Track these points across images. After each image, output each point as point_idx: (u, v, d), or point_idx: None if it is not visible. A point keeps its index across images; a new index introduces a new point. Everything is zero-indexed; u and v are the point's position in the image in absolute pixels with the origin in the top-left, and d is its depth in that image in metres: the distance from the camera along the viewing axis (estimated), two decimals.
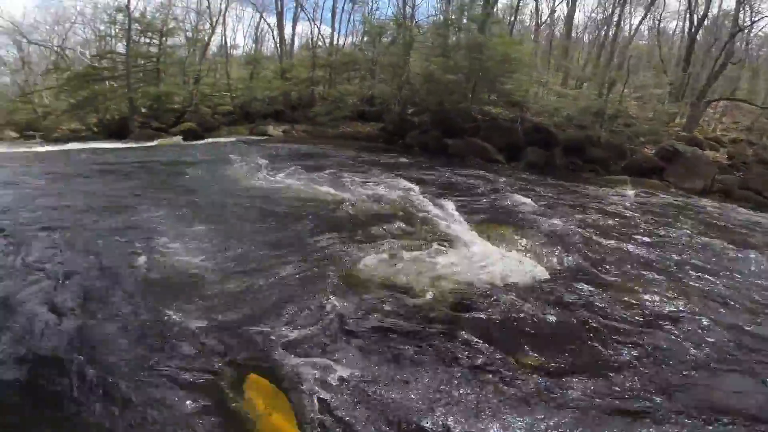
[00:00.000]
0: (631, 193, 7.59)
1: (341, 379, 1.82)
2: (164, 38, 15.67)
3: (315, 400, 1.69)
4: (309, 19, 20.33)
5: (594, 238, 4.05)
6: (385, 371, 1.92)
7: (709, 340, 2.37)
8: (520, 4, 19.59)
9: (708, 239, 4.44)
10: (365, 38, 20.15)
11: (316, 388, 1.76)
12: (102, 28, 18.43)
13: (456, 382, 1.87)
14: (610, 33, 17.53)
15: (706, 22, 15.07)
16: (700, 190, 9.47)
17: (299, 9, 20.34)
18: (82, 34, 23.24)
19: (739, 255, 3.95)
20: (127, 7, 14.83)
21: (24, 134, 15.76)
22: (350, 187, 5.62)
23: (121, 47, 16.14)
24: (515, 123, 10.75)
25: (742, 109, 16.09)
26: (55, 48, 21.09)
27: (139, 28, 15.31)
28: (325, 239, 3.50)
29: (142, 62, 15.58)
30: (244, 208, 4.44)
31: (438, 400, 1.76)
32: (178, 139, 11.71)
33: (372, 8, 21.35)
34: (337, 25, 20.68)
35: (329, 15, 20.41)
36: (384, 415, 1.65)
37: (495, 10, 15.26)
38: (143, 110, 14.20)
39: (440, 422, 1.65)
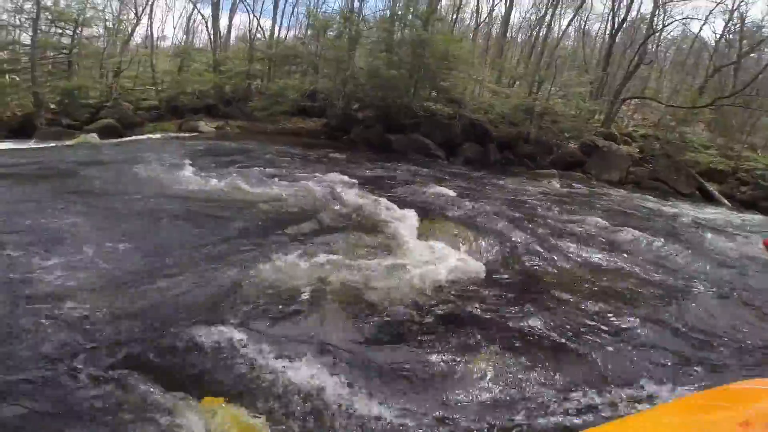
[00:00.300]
0: (557, 185, 8.16)
1: (291, 389, 1.69)
2: (79, 28, 14.00)
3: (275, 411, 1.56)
4: (249, 10, 19.32)
5: (524, 228, 4.26)
6: (338, 380, 1.79)
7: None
8: (462, 2, 20.36)
9: (618, 224, 4.88)
10: (309, 32, 19.58)
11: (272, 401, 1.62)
12: (5, 17, 16.01)
13: (413, 386, 1.81)
14: (542, 33, 18.76)
15: (624, 25, 16.59)
16: (617, 181, 10.49)
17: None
18: None
19: (645, 239, 4.39)
20: None
21: None
22: (288, 185, 5.31)
23: (26, 38, 14.14)
24: (453, 119, 11.07)
25: (650, 107, 18.06)
26: None
27: (49, 17, 13.54)
28: (258, 242, 3.27)
29: (52, 54, 13.81)
30: (166, 212, 4.00)
31: (394, 404, 1.68)
32: (94, 136, 10.46)
33: (318, 1, 20.68)
34: (279, 18, 19.87)
35: (271, 7, 19.49)
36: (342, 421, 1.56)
37: (439, 7, 15.58)
38: (52, 106, 12.53)
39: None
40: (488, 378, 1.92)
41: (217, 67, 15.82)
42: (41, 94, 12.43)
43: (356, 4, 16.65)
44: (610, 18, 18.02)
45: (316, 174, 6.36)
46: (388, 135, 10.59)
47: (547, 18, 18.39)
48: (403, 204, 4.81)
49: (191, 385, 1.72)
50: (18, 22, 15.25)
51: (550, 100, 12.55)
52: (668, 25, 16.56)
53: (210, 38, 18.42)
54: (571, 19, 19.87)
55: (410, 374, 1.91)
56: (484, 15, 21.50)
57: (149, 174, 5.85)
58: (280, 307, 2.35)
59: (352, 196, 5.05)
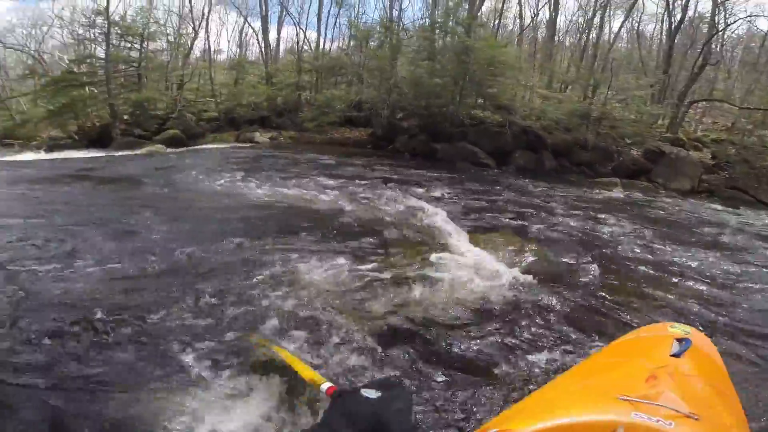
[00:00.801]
0: (620, 194, 7.66)
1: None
2: (145, 42, 15.28)
3: None
4: (295, 23, 20.19)
5: (584, 243, 3.99)
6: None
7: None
8: (504, 8, 19.98)
9: (694, 240, 4.45)
10: (351, 42, 20.12)
11: None
12: (80, 31, 17.82)
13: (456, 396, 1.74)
14: (592, 36, 17.92)
15: (682, 26, 15.49)
16: (688, 189, 9.67)
17: (284, 13, 20.20)
18: (60, 38, 22.39)
19: (730, 259, 3.96)
20: (107, 9, 14.42)
21: (1, 142, 15.16)
22: (338, 194, 5.43)
23: (100, 52, 15.61)
24: (503, 127, 10.79)
25: (720, 110, 16.57)
26: (32, 52, 20.39)
27: (118, 32, 14.89)
28: (306, 246, 3.33)
29: (123, 67, 15.15)
30: (235, 218, 4.25)
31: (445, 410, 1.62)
32: (162, 147, 11.36)
33: (358, 12, 21.23)
34: (323, 29, 20.56)
35: (315, 19, 20.26)
36: None
37: (480, 13, 15.41)
38: (125, 117, 13.76)
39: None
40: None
41: (269, 79, 16.65)
42: (116, 105, 13.67)
43: (395, 13, 17.01)
44: (665, 18, 16.95)
45: (364, 183, 6.44)
46: (434, 144, 10.52)
47: (596, 20, 17.64)
48: (452, 214, 4.70)
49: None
50: (92, 36, 16.96)
51: (607, 104, 11.90)
52: (732, 24, 15.25)
53: (261, 51, 19.47)
54: (624, 21, 18.87)
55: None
56: (527, 20, 21.05)
57: (211, 182, 6.22)
58: (318, 315, 2.32)
59: (399, 205, 5.02)
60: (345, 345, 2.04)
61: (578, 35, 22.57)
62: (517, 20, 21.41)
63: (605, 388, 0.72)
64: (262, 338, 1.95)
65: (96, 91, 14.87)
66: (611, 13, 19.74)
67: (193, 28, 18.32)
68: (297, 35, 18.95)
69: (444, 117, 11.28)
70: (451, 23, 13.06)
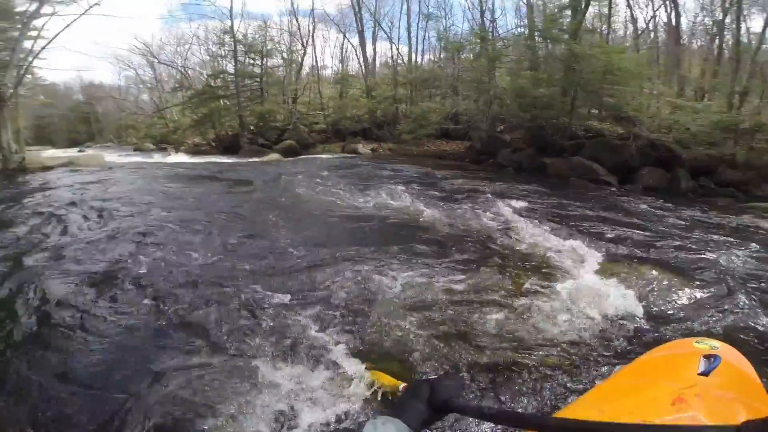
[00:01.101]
0: None
1: None
2: (265, 59, 17.39)
3: None
4: (387, 37, 21.09)
5: (742, 283, 3.18)
6: None
7: None
8: (612, 12, 18.06)
9: None
10: (442, 54, 20.27)
11: None
12: (214, 49, 20.79)
13: None
14: (727, 39, 15.10)
15: None
16: None
17: (377, 27, 21.21)
18: (199, 55, 25.97)
19: None
20: (231, 28, 16.78)
21: (158, 146, 18.73)
22: (439, 208, 5.40)
23: (230, 67, 18.07)
24: (626, 139, 9.73)
25: None
26: (179, 68, 24.28)
27: (243, 49, 17.20)
28: (407, 261, 3.37)
29: (248, 81, 17.51)
30: (338, 226, 4.64)
31: None
32: (279, 156, 12.86)
33: (447, 24, 21.29)
34: (413, 43, 21.09)
35: (406, 33, 20.91)
36: None
37: (585, 18, 14.23)
38: (251, 128, 15.91)
39: None
40: None
41: (369, 92, 17.68)
42: (244, 117, 15.89)
43: (487, 23, 16.52)
44: None
45: (465, 197, 6.35)
46: (543, 158, 9.94)
47: (729, 21, 14.81)
48: (571, 237, 4.28)
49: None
50: (223, 53, 19.86)
51: (762, 114, 9.95)
52: None
53: (360, 65, 20.76)
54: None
55: None
56: (641, 23, 18.74)
57: (318, 189, 6.84)
58: (410, 334, 2.28)
59: (505, 222, 4.74)
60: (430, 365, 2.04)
61: (707, 38, 19.40)
62: (629, 25, 19.30)
63: (625, 413, 0.65)
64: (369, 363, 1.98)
65: (228, 103, 17.46)
66: (747, 12, 16.50)
67: (302, 45, 20.17)
68: (390, 49, 19.78)
69: (554, 129, 10.64)
70: (554, 30, 12.33)
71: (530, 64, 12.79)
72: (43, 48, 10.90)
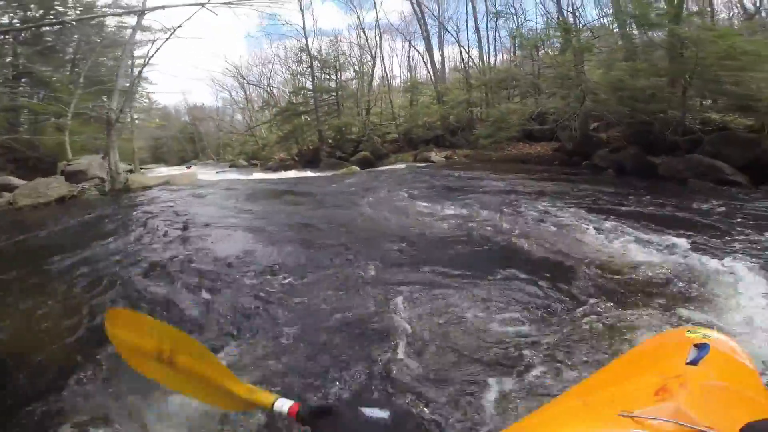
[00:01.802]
0: None
1: None
2: (338, 73, 18.26)
3: None
4: (455, 40, 20.47)
5: None
6: None
7: None
8: None
9: None
10: (518, 52, 19.06)
11: None
12: (293, 67, 22.27)
13: None
14: None
15: None
16: None
17: (443, 31, 20.76)
18: (281, 74, 27.30)
19: None
20: (307, 45, 17.91)
21: (250, 161, 20.85)
22: (532, 222, 4.79)
23: (309, 84, 19.26)
24: (760, 132, 8.07)
25: None
26: (265, 87, 26.45)
27: (318, 65, 18.25)
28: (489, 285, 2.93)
29: (325, 96, 18.54)
30: (408, 241, 4.30)
31: None
32: (356, 168, 13.34)
33: (519, 21, 19.95)
34: (484, 44, 20.19)
35: (474, 35, 20.10)
36: None
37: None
38: (329, 141, 16.85)
39: None
40: None
41: (440, 98, 17.46)
42: (323, 131, 16.93)
43: (568, 15, 14.92)
44: None
45: (563, 208, 5.42)
46: (651, 157, 8.71)
47: None
48: (714, 257, 3.47)
49: None
50: (301, 71, 21.19)
51: None
52: None
53: (429, 72, 20.60)
54: None
55: None
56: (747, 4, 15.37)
57: (392, 201, 6.79)
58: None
59: (624, 242, 3.90)
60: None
61: None
62: (736, 6, 16.01)
63: (607, 404, 0.63)
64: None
65: (309, 118, 18.71)
66: None
67: (371, 56, 20.72)
68: (460, 52, 19.22)
69: (663, 124, 9.28)
70: (652, 15, 10.68)
71: (626, 54, 11.37)
72: (140, 72, 12.68)
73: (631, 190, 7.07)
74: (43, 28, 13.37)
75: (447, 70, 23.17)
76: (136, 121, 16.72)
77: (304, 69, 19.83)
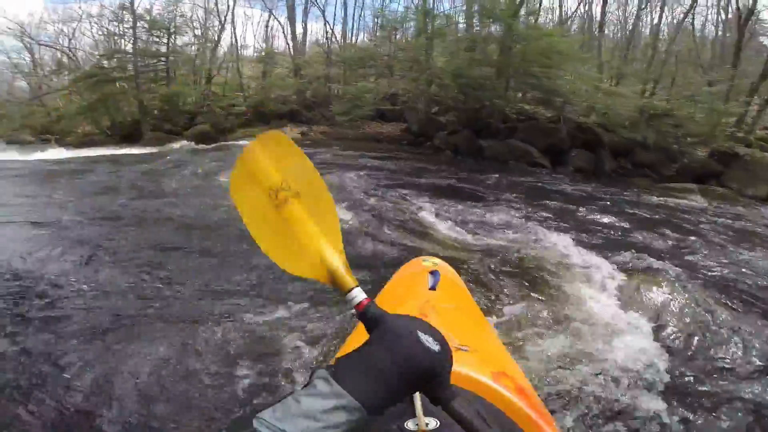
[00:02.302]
0: (704, 203, 6.72)
1: None
2: (173, 36, 15.03)
3: None
4: (321, 13, 19.49)
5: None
6: None
7: None
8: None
9: None
10: (378, 33, 19.32)
11: None
12: (109, 27, 17.84)
13: None
14: (641, 29, 16.46)
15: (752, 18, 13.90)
16: (765, 197, 8.59)
17: (309, 3, 19.53)
18: (90, 35, 22.55)
19: None
20: (132, 4, 14.26)
21: (39, 137, 15.29)
22: (391, 205, 4.67)
23: (129, 47, 15.50)
24: (557, 122, 9.88)
25: None
26: (64, 49, 20.54)
27: (145, 26, 14.69)
28: None
29: (153, 62, 14.96)
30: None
31: None
32: (190, 144, 11.03)
33: (385, 2, 20.32)
34: (349, 21, 19.84)
35: (341, 12, 19.53)
36: None
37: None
38: (155, 112, 13.55)
39: None
40: None
41: (297, 71, 16.13)
42: (145, 101, 13.50)
43: (429, 2, 15.96)
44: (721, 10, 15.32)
45: (410, 188, 5.59)
46: (480, 141, 9.71)
47: (649, 15, 16.21)
48: (544, 228, 3.96)
49: None
50: (120, 32, 16.79)
51: (670, 101, 10.79)
52: None
53: (288, 44, 18.93)
54: (687, 12, 17.27)
55: None
56: (567, 11, 19.82)
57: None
58: None
59: (439, 217, 4.16)
60: None
61: (619, 26, 21.21)
62: (553, 12, 20.22)
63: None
64: None
65: (126, 86, 14.77)
66: (655, 4, 18.22)
67: (220, 22, 17.92)
68: (324, 26, 18.33)
69: (490, 112, 10.44)
70: (496, 11, 12.05)
71: (468, 44, 12.45)
72: None
73: (467, 172, 7.63)
74: None
75: (308, 45, 21.73)
76: None
77: (125, 29, 15.64)
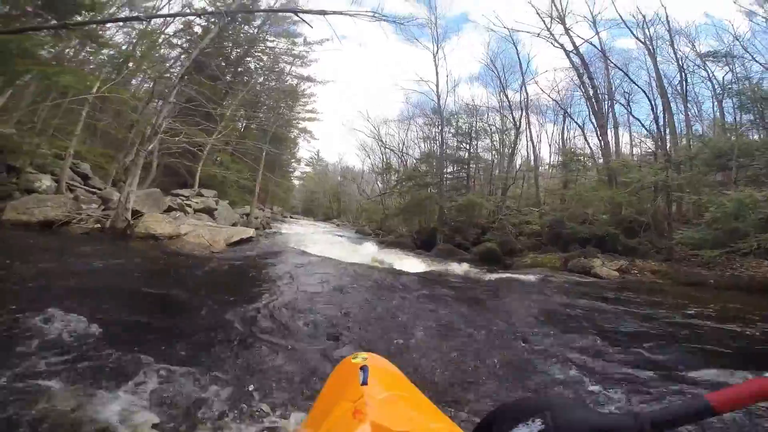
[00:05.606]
0: None
1: None
2: (473, 141, 15.50)
3: None
4: (628, 112, 15.33)
5: None
6: None
7: None
8: None
9: None
10: (740, 116, 12.64)
11: None
12: (425, 130, 20.27)
13: None
14: None
15: None
16: None
17: (609, 107, 15.72)
18: (415, 138, 24.68)
19: None
20: (438, 106, 15.79)
21: (375, 231, 19.38)
22: None
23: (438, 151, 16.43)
24: None
25: None
26: (397, 152, 23.82)
27: (451, 131, 15.77)
28: None
29: (454, 168, 15.86)
30: None
31: None
32: (471, 268, 9.81)
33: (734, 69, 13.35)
34: (674, 108, 14.28)
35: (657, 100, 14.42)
36: None
37: None
38: (451, 222, 14.03)
39: None
40: None
41: (613, 179, 12.71)
42: (445, 208, 14.15)
43: None
44: None
45: None
46: None
47: None
48: None
49: None
50: (431, 134, 18.80)
51: None
52: None
53: (599, 142, 15.61)
54: None
55: None
56: None
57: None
58: None
59: None
60: None
61: None
62: None
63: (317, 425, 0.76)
64: None
65: (434, 191, 16.23)
66: None
67: (514, 124, 16.84)
68: (653, 112, 13.98)
69: None
70: None
71: None
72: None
73: None
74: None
75: (621, 146, 17.75)
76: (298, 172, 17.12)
77: (436, 133, 17.91)
